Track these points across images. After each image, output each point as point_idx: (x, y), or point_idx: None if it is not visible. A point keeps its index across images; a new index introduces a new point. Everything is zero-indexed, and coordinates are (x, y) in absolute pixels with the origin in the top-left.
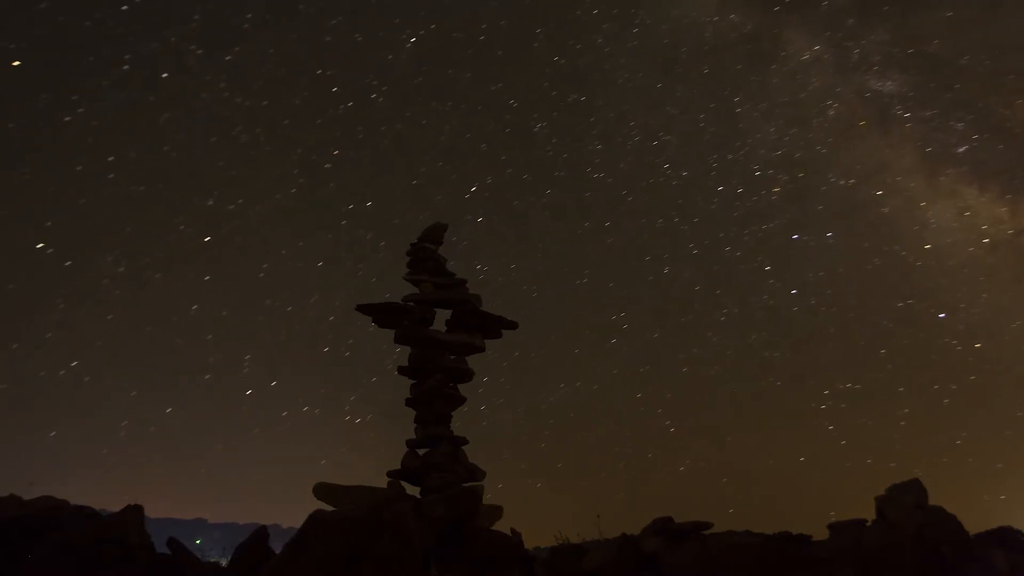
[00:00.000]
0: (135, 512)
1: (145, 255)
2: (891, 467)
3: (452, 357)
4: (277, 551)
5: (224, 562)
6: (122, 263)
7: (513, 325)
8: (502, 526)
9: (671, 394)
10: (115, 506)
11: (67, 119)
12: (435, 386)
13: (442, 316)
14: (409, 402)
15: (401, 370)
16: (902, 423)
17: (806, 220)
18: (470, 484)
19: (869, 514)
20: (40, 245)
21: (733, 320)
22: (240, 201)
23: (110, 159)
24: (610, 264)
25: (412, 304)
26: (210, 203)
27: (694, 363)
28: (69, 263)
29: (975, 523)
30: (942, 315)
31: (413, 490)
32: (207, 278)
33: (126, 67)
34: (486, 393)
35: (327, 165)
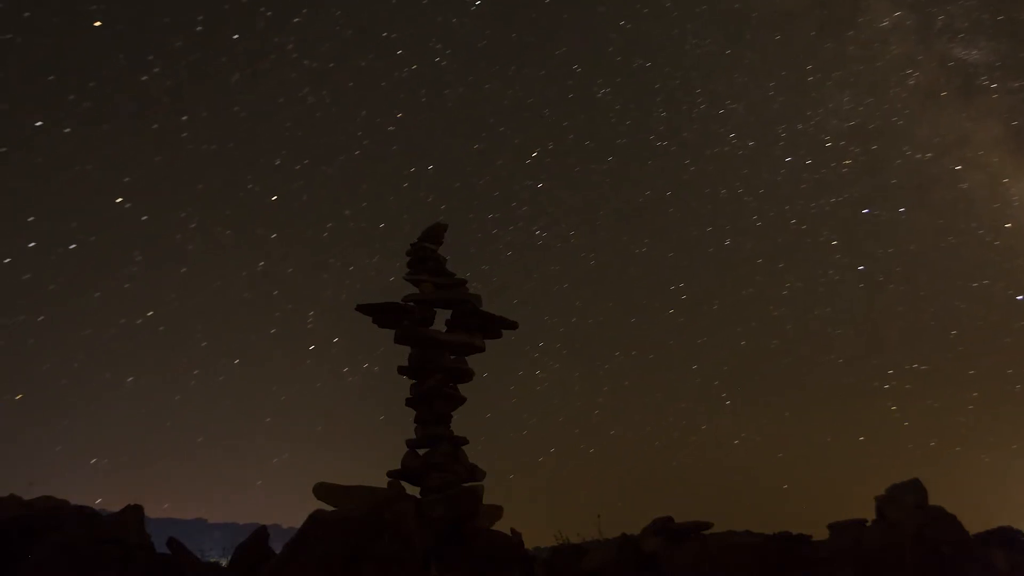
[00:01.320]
0: (135, 512)
1: (216, 212)
2: (956, 451)
3: (452, 357)
4: (277, 551)
5: (224, 562)
6: (195, 219)
7: (513, 325)
8: (502, 526)
9: (727, 367)
10: (115, 506)
11: (143, 79)
12: (435, 386)
13: (442, 316)
14: (409, 402)
15: (401, 370)
16: (970, 407)
17: (877, 194)
18: (470, 484)
19: (869, 514)
20: (119, 200)
21: (796, 294)
22: (306, 161)
23: (183, 118)
24: (670, 234)
25: (412, 304)
26: (277, 163)
27: (753, 336)
28: (146, 217)
29: (975, 523)
30: (1020, 297)
31: (413, 490)
32: (273, 236)
33: (199, 28)
34: (542, 358)
35: (390, 128)
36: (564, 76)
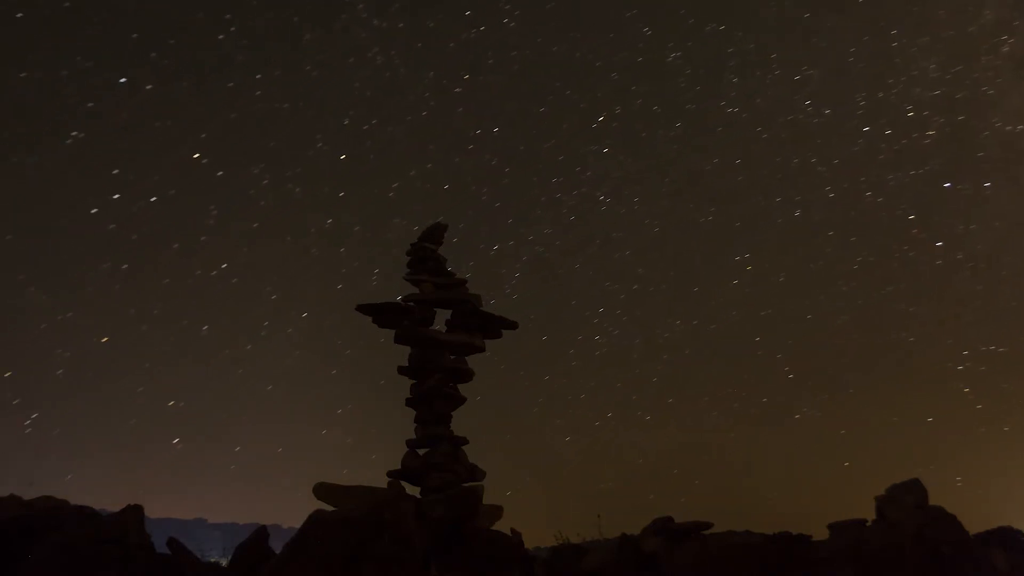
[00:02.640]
0: (135, 512)
1: (287, 169)
2: None
3: (452, 357)
4: (277, 551)
5: (224, 562)
6: (266, 176)
7: (513, 325)
8: (502, 526)
9: (792, 340)
10: (115, 506)
11: (220, 37)
12: (435, 386)
13: (442, 316)
14: (409, 402)
15: (401, 370)
16: None
17: (961, 168)
18: (470, 484)
19: (869, 514)
20: (196, 155)
21: (867, 269)
22: (374, 122)
23: (258, 76)
24: (738, 203)
25: (412, 304)
26: (346, 122)
27: (821, 311)
28: (221, 173)
29: (975, 523)
30: None
31: (413, 490)
32: (341, 194)
33: None
34: (602, 323)
35: (457, 89)
36: (634, 39)
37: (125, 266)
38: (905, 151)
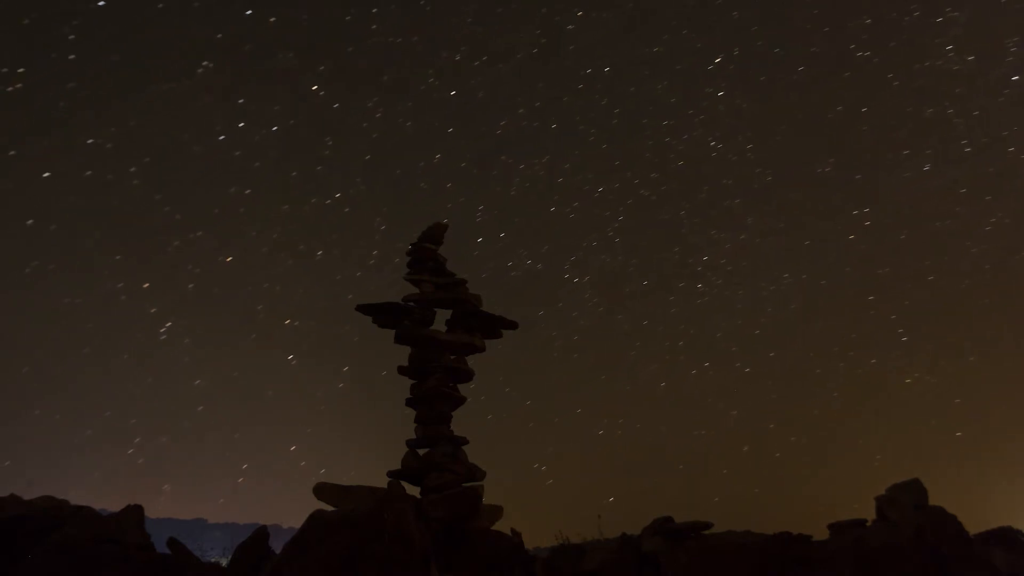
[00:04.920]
0: (135, 512)
1: (399, 103)
2: None
3: (452, 357)
4: (277, 551)
5: (224, 562)
6: (379, 109)
7: (513, 325)
8: (502, 526)
9: (908, 301)
10: (115, 506)
11: None
12: (435, 386)
13: (442, 316)
14: (409, 402)
15: (401, 370)
16: None
17: None
18: (470, 484)
19: (869, 514)
20: (315, 87)
21: (1001, 231)
22: (484, 58)
23: (374, 10)
24: (860, 154)
25: (412, 304)
26: (457, 58)
27: (944, 273)
28: (337, 105)
29: (975, 523)
30: None
31: (413, 490)
32: (450, 130)
33: None
34: (705, 272)
35: (569, 27)
36: None
37: (248, 191)
38: None
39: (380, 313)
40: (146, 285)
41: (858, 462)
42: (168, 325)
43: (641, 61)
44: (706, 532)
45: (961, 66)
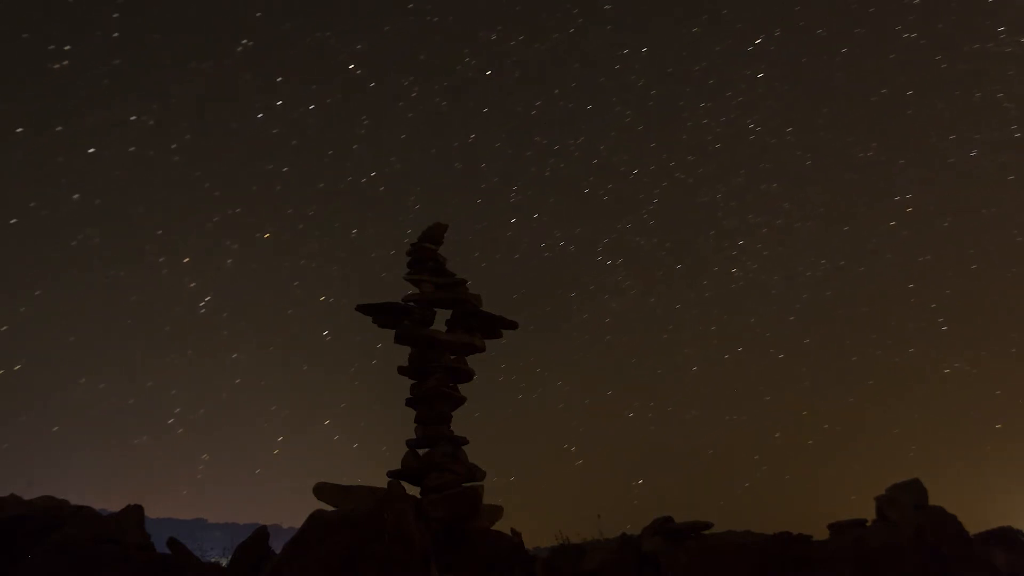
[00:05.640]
0: (135, 512)
1: (434, 83)
2: None
3: (452, 357)
4: (277, 551)
5: (224, 562)
6: (415, 88)
7: (513, 325)
8: (502, 526)
9: (950, 290)
10: (115, 506)
11: None
12: (435, 386)
13: (442, 316)
14: (409, 402)
15: (401, 370)
16: None
17: None
18: (470, 484)
19: (869, 514)
20: (351, 66)
21: None
22: (521, 38)
23: None
24: (904, 138)
25: (412, 304)
26: (493, 38)
27: (988, 261)
28: (373, 84)
29: (975, 523)
30: None
31: (413, 490)
32: (485, 110)
33: None
34: (740, 256)
35: (607, 7)
36: None
37: (285, 169)
38: None
39: (380, 313)
40: (186, 260)
41: (859, 462)
42: (207, 299)
43: (679, 42)
44: (706, 532)
45: (1014, 48)
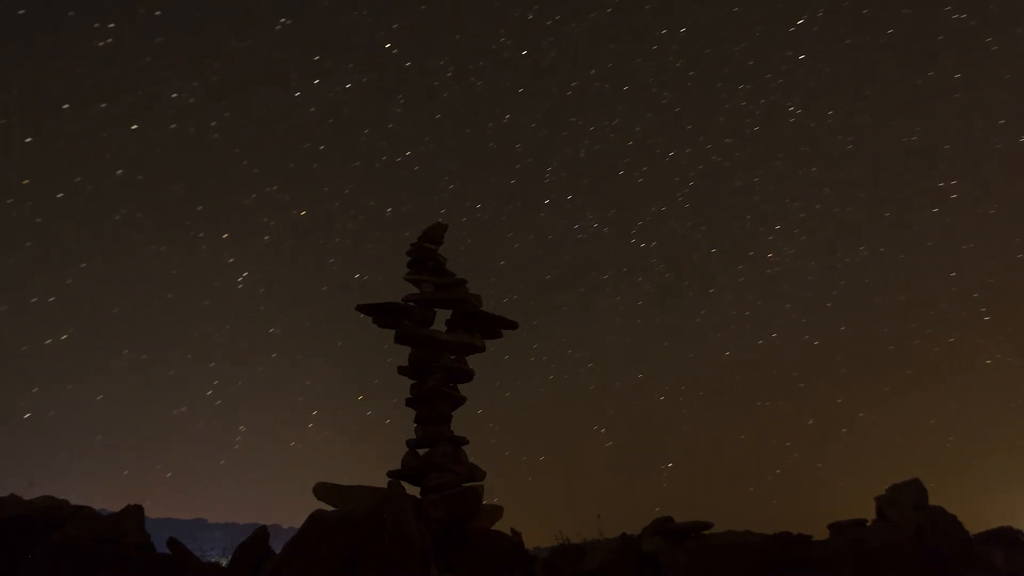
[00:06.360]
0: (135, 512)
1: (470, 62)
2: None
3: (452, 357)
4: (277, 551)
5: (224, 562)
6: (450, 68)
7: (513, 325)
8: (502, 526)
9: (994, 279)
10: (115, 506)
11: None
12: (435, 386)
13: (442, 316)
14: (409, 402)
15: (401, 370)
16: None
17: None
18: (470, 484)
19: (869, 514)
20: (387, 45)
21: None
22: (557, 17)
23: None
24: (951, 122)
25: (412, 304)
26: (530, 17)
27: None
28: (409, 64)
29: (975, 523)
30: None
31: (413, 490)
32: (520, 91)
33: None
34: (776, 241)
35: None
36: None
37: (322, 147)
38: None
39: (380, 313)
40: (225, 235)
41: (859, 462)
42: (245, 275)
43: (719, 22)
44: (706, 532)
45: None
